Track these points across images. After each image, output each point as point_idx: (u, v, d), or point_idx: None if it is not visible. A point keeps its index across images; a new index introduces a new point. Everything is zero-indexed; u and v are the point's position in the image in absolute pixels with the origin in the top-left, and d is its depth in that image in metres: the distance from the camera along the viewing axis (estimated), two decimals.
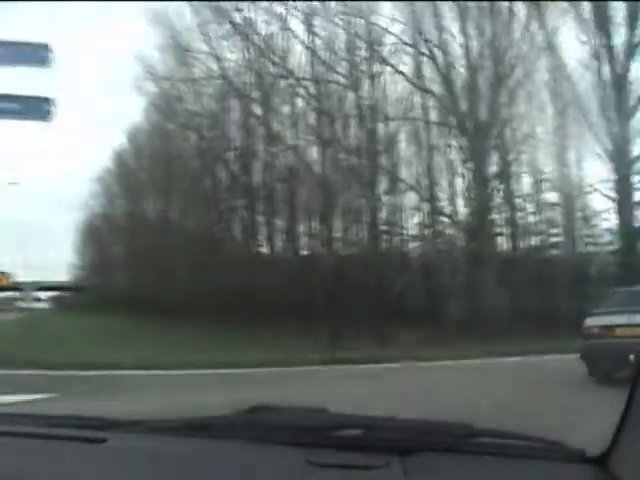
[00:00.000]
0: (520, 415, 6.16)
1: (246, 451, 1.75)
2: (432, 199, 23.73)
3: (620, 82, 22.65)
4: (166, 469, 1.69)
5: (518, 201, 26.87)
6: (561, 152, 26.12)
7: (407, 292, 20.69)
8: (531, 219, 27.11)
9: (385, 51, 22.18)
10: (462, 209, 23.49)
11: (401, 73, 21.50)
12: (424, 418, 1.94)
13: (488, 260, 19.19)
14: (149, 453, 1.76)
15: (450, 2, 21.41)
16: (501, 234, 26.50)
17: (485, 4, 21.32)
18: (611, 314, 10.54)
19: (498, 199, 25.12)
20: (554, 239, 27.28)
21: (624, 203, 23.57)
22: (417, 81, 21.20)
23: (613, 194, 23.96)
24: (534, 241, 27.40)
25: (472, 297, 20.05)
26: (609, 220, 25.03)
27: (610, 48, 22.61)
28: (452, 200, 24.07)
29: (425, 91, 21.12)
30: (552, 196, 26.97)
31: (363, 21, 22.07)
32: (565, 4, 22.63)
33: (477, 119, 19.87)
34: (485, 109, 19.90)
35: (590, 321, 10.92)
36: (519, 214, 27.22)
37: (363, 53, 22.86)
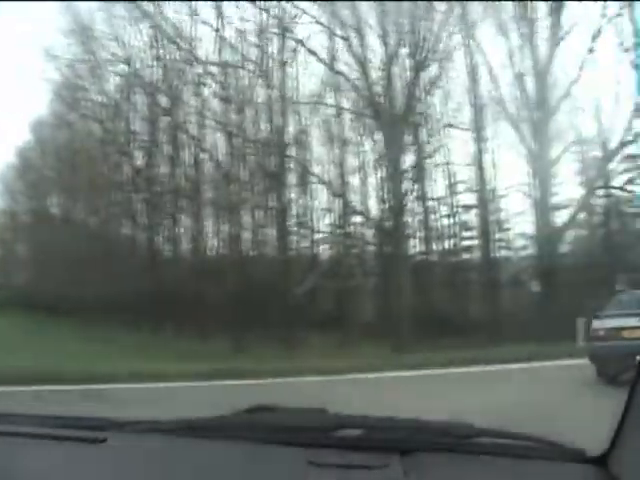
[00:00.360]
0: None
1: (246, 451, 1.74)
2: (344, 196, 22.61)
3: (542, 79, 22.22)
4: (166, 469, 1.68)
5: (433, 204, 26.24)
6: (479, 151, 25.67)
7: (315, 295, 19.57)
8: (445, 221, 26.62)
9: (299, 35, 20.96)
10: (376, 208, 22.37)
11: (314, 54, 20.18)
12: (424, 418, 1.89)
13: (400, 262, 18.18)
14: (149, 453, 1.75)
15: None
16: (414, 236, 25.68)
17: None
18: (618, 316, 10.74)
19: (412, 199, 24.39)
20: (468, 242, 26.80)
21: (543, 205, 23.16)
22: (331, 64, 19.91)
23: (532, 196, 23.62)
24: (448, 244, 26.86)
25: (382, 300, 19.05)
26: (526, 223, 24.82)
27: (532, 43, 22.12)
28: (366, 198, 23.01)
29: (339, 74, 19.80)
30: (468, 198, 26.52)
31: (275, 2, 20.78)
32: None
33: (393, 109, 18.81)
34: (402, 99, 18.87)
35: (597, 323, 11.05)
36: (433, 216, 26.59)
37: (275, 37, 21.55)
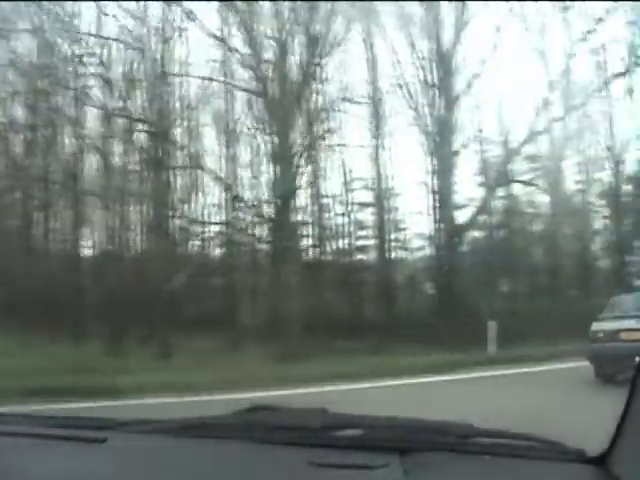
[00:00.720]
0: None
1: (246, 451, 1.75)
2: (232, 186, 20.61)
3: (446, 65, 21.04)
4: (166, 469, 1.68)
5: (327, 201, 24.84)
6: (376, 147, 24.40)
7: (190, 294, 17.59)
8: (340, 220, 25.18)
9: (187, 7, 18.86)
10: (264, 200, 20.45)
11: (203, 27, 18.16)
12: (424, 418, 1.92)
13: (290, 261, 16.41)
14: (149, 453, 1.77)
15: None
16: (306, 234, 24.20)
17: None
18: (617, 319, 11.16)
19: (305, 194, 22.93)
20: (363, 242, 25.54)
21: (442, 204, 22.03)
22: (221, 39, 17.89)
23: (431, 195, 22.55)
24: (342, 243, 25.47)
25: (269, 302, 17.28)
26: (425, 223, 23.65)
27: (437, 26, 20.94)
28: (255, 188, 21.07)
29: (229, 48, 17.79)
30: (364, 195, 25.27)
31: None
32: None
33: (283, 85, 17.02)
34: (294, 75, 17.12)
35: (596, 325, 11.46)
36: (327, 214, 25.21)
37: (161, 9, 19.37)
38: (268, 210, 18.64)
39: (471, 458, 1.73)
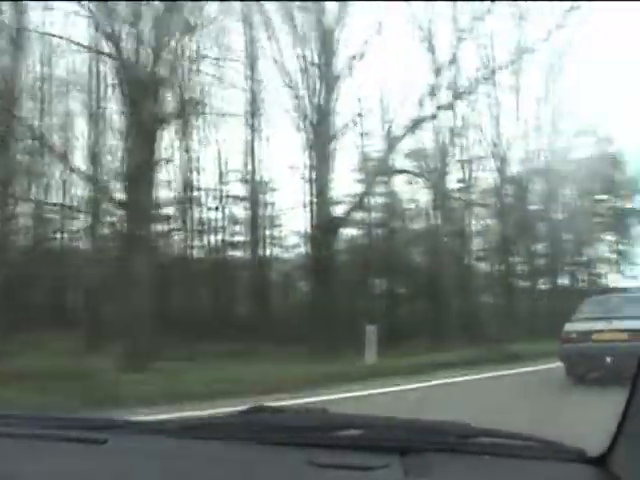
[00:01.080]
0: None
1: (246, 451, 1.75)
2: (87, 172, 18.22)
3: (327, 43, 19.43)
4: (166, 470, 1.66)
5: (198, 193, 23.52)
6: (252, 139, 22.81)
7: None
8: (212, 214, 23.79)
9: None
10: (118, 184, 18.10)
11: None
12: (424, 418, 1.92)
13: (141, 252, 14.23)
14: (150, 454, 1.74)
15: None
16: (171, 226, 22.76)
17: None
18: (589, 320, 11.73)
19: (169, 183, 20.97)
20: (236, 238, 24.11)
21: (319, 198, 20.45)
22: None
23: (309, 187, 20.99)
24: (213, 239, 24.07)
25: (119, 299, 15.13)
26: (300, 219, 22.86)
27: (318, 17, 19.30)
28: (109, 172, 18.73)
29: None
30: (238, 188, 23.90)
31: None
32: None
33: (139, 47, 14.82)
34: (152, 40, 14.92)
35: (569, 326, 12.03)
36: (198, 207, 23.75)
37: None
38: (117, 191, 16.36)
39: (471, 458, 1.72)
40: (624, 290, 19.67)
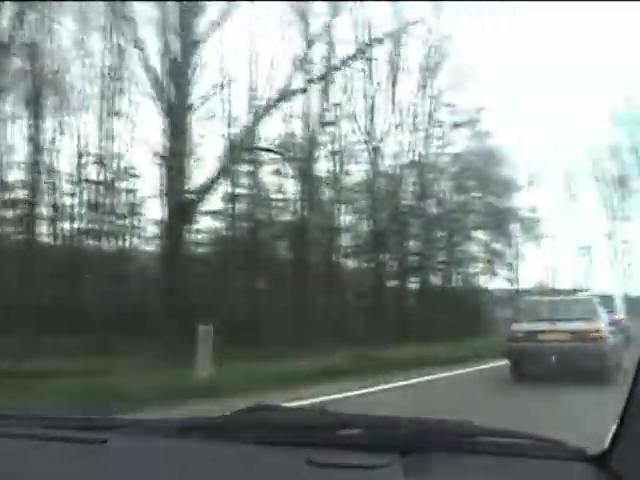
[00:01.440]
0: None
1: (246, 451, 1.74)
2: None
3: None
4: (166, 469, 1.67)
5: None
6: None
7: None
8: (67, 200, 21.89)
9: None
10: None
11: None
12: (425, 418, 1.91)
13: None
14: (149, 453, 1.76)
15: None
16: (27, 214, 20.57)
17: None
18: (535, 321, 12.77)
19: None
20: (92, 226, 22.00)
21: (171, 186, 18.90)
22: None
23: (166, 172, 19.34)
24: (68, 226, 22.09)
25: None
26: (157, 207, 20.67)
27: None
28: None
29: None
30: (96, 174, 21.83)
31: None
32: None
33: None
34: None
35: (516, 326, 13.07)
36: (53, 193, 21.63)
37: None
38: None
39: (472, 457, 1.71)
40: (559, 293, 22.53)
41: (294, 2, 19.53)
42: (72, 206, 22.02)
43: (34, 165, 20.64)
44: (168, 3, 17.48)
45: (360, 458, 1.64)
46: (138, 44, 17.69)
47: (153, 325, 17.32)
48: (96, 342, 15.91)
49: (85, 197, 21.96)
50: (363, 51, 20.88)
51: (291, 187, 21.96)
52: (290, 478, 1.63)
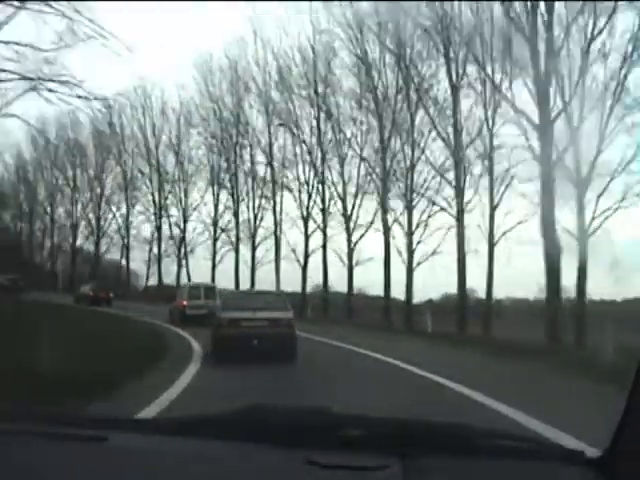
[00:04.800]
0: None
1: (246, 450, 1.76)
2: None
3: None
4: (166, 468, 1.69)
5: None
6: None
7: None
8: None
9: None
10: None
11: None
12: (425, 419, 1.99)
13: None
14: (149, 452, 1.78)
15: None
16: None
17: None
18: (238, 310, 14.73)
19: None
20: None
21: None
22: None
23: None
24: None
25: None
26: None
27: None
28: None
29: None
30: None
31: None
32: None
33: None
34: None
35: (223, 314, 14.78)
36: None
37: None
38: None
39: (471, 459, 1.73)
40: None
41: None
42: None
43: None
44: None
45: (360, 459, 1.66)
46: None
47: None
48: None
49: None
50: None
51: None
52: (290, 478, 1.63)
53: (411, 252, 37.32)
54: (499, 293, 37.84)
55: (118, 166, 62.80)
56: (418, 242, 37.07)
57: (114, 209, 64.91)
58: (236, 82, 48.83)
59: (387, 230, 38.53)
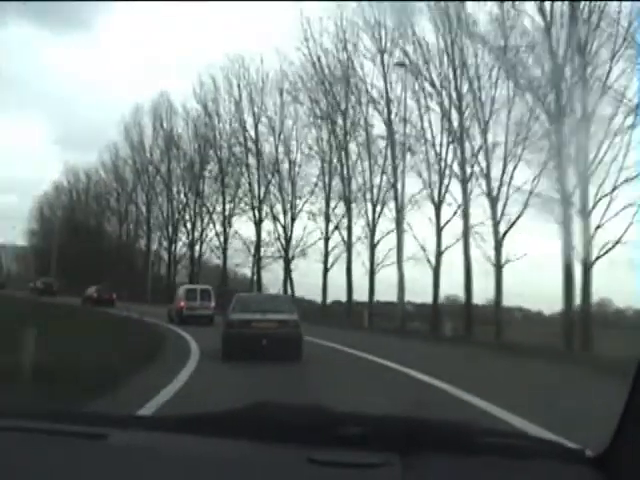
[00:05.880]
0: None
1: (246, 448, 1.77)
2: None
3: None
4: (166, 466, 1.70)
5: None
6: None
7: None
8: None
9: None
10: None
11: None
12: (425, 417, 1.99)
13: None
14: (149, 449, 1.78)
15: None
16: None
17: None
18: (248, 312, 15.69)
19: None
20: None
21: None
22: None
23: None
24: None
25: None
26: None
27: None
28: None
29: None
30: None
31: None
32: None
33: None
34: None
35: (233, 316, 15.72)
36: None
37: None
38: None
39: (471, 458, 1.73)
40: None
41: None
42: None
43: None
44: None
45: (360, 456, 1.68)
46: None
47: None
48: None
49: None
50: None
51: None
52: (291, 475, 1.66)
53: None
54: None
55: (214, 155, 53.64)
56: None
57: (210, 206, 55.91)
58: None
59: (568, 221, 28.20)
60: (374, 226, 40.22)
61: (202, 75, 51.95)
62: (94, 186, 75.11)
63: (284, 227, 47.51)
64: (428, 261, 35.12)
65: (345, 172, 42.10)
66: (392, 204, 38.14)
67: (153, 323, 27.46)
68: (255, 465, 1.68)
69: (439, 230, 35.13)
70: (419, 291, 38.64)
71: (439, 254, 35.04)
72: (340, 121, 41.80)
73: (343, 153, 42.05)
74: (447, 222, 35.18)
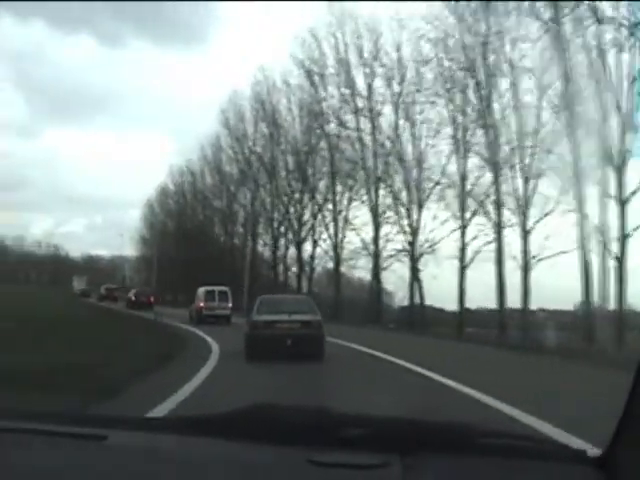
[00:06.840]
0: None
1: (246, 449, 1.77)
2: None
3: None
4: (166, 467, 1.68)
5: None
6: None
7: None
8: None
9: None
10: None
11: None
12: (425, 418, 1.94)
13: None
14: (149, 451, 1.77)
15: None
16: None
17: None
18: (272, 313, 16.22)
19: None
20: None
21: None
22: None
23: None
24: None
25: None
26: None
27: None
28: None
29: None
30: None
31: None
32: None
33: None
34: None
35: (257, 317, 16.28)
36: None
37: None
38: None
39: (471, 458, 1.72)
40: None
41: None
42: None
43: None
44: None
45: (360, 458, 1.65)
46: None
47: None
48: None
49: None
50: None
51: None
52: (290, 477, 1.64)
53: None
54: None
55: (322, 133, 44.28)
56: None
57: (319, 197, 46.44)
58: None
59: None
60: (526, 206, 30.00)
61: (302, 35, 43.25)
62: (199, 184, 68.24)
63: (408, 210, 37.48)
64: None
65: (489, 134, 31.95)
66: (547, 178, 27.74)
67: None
68: (255, 467, 1.67)
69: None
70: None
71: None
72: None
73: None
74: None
